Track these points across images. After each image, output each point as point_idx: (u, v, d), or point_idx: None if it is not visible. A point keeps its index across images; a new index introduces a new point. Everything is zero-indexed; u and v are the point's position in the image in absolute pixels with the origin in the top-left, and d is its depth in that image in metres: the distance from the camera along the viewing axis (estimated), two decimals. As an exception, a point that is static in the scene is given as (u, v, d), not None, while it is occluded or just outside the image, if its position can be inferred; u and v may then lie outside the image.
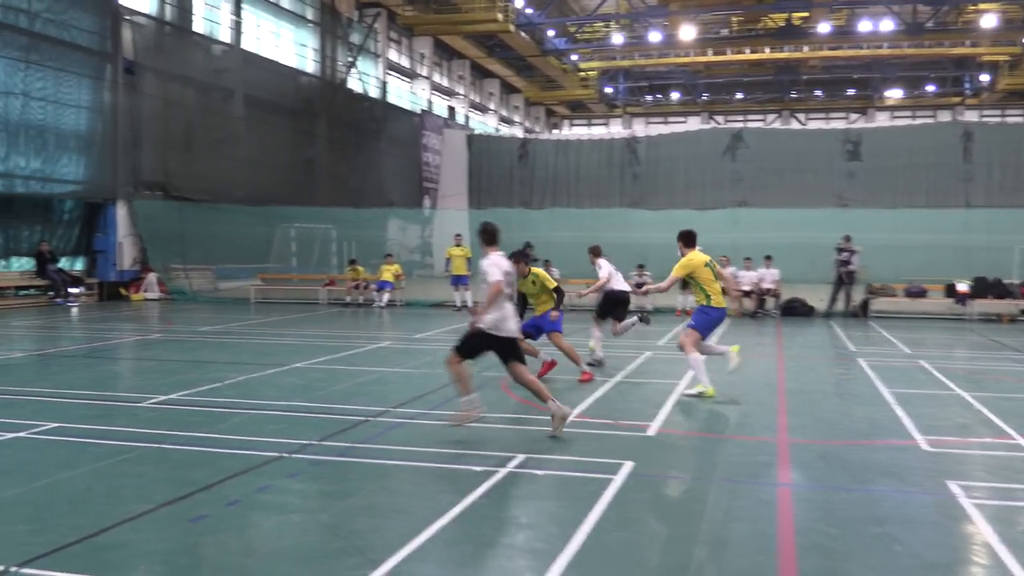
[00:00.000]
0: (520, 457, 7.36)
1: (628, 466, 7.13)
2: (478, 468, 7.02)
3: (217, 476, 6.79)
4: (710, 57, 54.41)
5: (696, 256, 10.54)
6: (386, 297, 24.22)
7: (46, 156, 24.66)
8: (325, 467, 7.15)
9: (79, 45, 25.63)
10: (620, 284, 13.43)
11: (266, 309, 23.72)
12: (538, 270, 11.83)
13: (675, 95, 66.46)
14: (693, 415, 9.47)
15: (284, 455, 7.43)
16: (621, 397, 10.53)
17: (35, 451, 7.65)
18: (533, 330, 11.82)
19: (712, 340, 11.44)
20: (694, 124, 56.34)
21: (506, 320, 8.16)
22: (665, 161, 43.16)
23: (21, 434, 8.19)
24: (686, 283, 10.77)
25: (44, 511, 6.00)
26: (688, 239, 10.72)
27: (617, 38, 51.33)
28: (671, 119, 67.64)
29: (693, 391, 10.46)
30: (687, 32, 47.59)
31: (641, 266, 23.16)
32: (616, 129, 62.51)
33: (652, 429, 8.62)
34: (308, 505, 6.24)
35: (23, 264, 25.34)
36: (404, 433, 8.43)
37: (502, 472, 6.94)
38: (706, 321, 10.50)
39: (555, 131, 72.48)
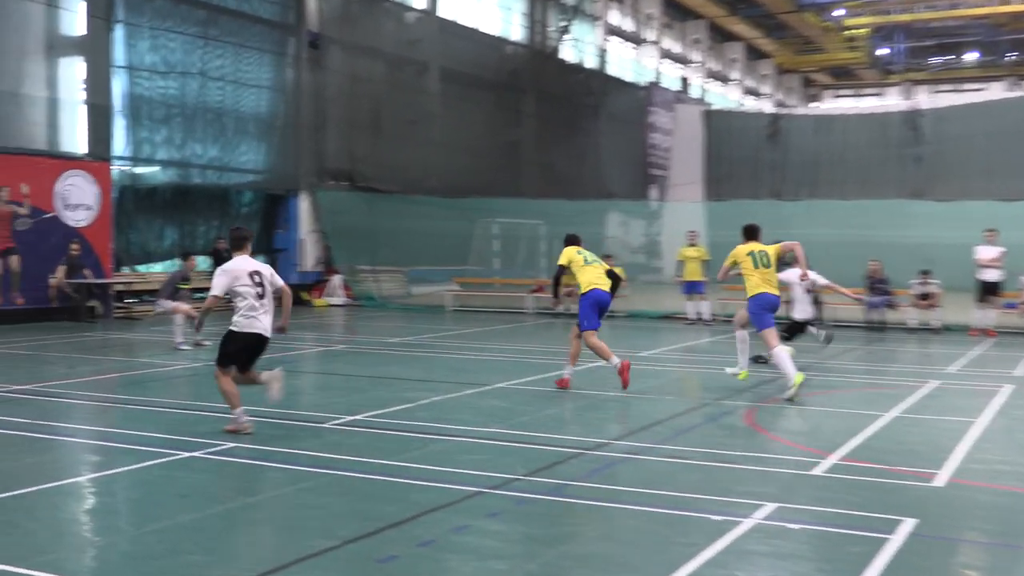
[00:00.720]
0: (770, 506, 7.20)
1: (909, 524, 6.82)
2: (717, 517, 6.92)
3: (408, 512, 7.03)
4: (1017, 6, 51.33)
5: (743, 247, 12.85)
6: (604, 306, 24.29)
7: (224, 143, 26.50)
8: (532, 507, 7.26)
9: (260, 17, 27.40)
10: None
11: (464, 318, 24.39)
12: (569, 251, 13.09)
13: (971, 56, 63.18)
14: (995, 462, 8.95)
15: (484, 491, 7.60)
16: (900, 436, 10.10)
17: (211, 473, 8.21)
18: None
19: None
20: (996, 92, 53.33)
21: (254, 320, 9.74)
22: (957, 139, 41.05)
23: (196, 453, 8.81)
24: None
25: (221, 541, 6.42)
26: (748, 232, 13.04)
27: (895, -14, 49.43)
28: (965, 86, 64.33)
29: (734, 370, 13.59)
30: (988, -25, 45.18)
31: (926, 272, 22.07)
32: (892, 100, 60.13)
33: (941, 479, 8.22)
34: (512, 551, 6.35)
35: (199, 263, 27.27)
36: (627, 470, 8.44)
37: (747, 523, 6.81)
38: (752, 313, 12.70)
39: (813, 104, 70.65)
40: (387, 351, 17.26)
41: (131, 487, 7.95)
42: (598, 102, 44.15)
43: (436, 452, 9.03)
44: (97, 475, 8.36)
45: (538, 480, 7.97)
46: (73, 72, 23.35)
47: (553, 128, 40.68)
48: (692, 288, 23.16)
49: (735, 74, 62.30)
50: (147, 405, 11.46)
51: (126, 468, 8.41)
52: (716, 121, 46.73)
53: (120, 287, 23.61)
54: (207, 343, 16.73)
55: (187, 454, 8.79)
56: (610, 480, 8.05)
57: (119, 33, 23.67)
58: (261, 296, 9.78)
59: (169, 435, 9.60)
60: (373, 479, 7.99)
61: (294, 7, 28.52)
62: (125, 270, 24.96)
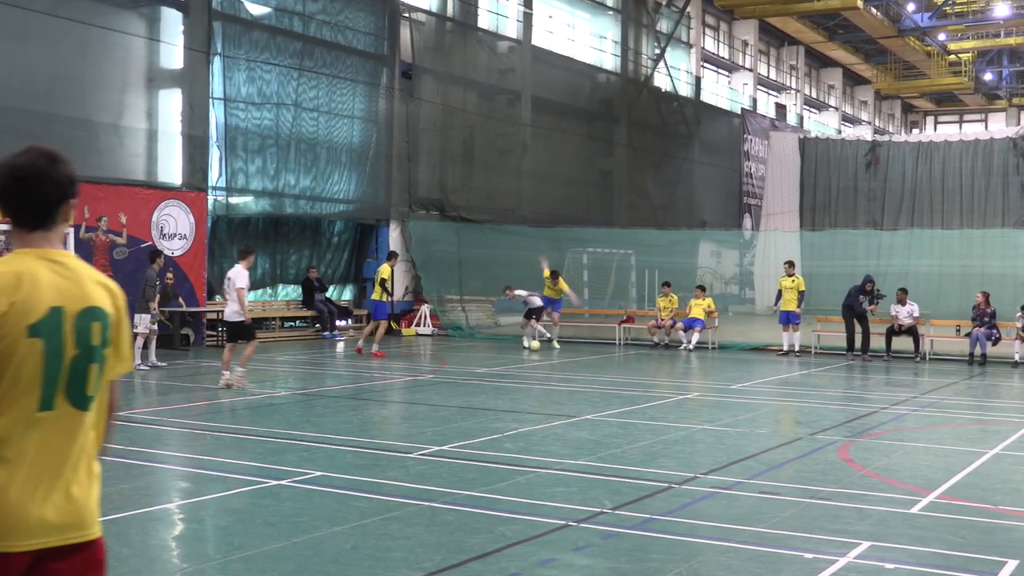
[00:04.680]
0: (865, 545, 7.06)
1: (1012, 566, 6.62)
2: (809, 555, 6.81)
3: (494, 544, 7.04)
4: None
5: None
6: (696, 338, 24.16)
7: (316, 173, 26.93)
8: (620, 541, 7.22)
9: (354, 48, 27.86)
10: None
11: (552, 349, 24.39)
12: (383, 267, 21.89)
13: (1081, 80, 61.62)
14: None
15: (571, 523, 7.58)
16: (1003, 475, 9.82)
17: (298, 501, 8.32)
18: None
19: None
20: (1108, 117, 51.80)
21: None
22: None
23: (284, 482, 8.94)
24: None
25: (307, 569, 6.50)
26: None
27: (1001, 9, 48.44)
28: (1075, 112, 62.73)
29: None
30: (1099, -3, 44.00)
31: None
32: (998, 126, 58.82)
33: (1046, 519, 7.97)
34: (598, 585, 6.32)
35: (289, 293, 27.75)
36: (716, 505, 8.34)
37: (841, 561, 6.68)
38: None
39: (915, 131, 69.45)
40: (474, 381, 17.34)
41: (219, 514, 8.10)
42: (692, 130, 43.99)
43: (523, 484, 9.03)
44: (186, 502, 8.54)
45: (625, 514, 7.93)
46: (171, 104, 23.99)
47: (646, 157, 40.63)
48: (788, 318, 22.90)
49: (833, 101, 61.56)
50: (236, 433, 11.68)
51: (215, 495, 8.58)
52: (813, 149, 46.15)
53: (212, 316, 24.08)
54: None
55: (274, 482, 8.93)
56: (698, 515, 7.96)
57: (216, 65, 24.26)
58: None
59: (257, 463, 9.76)
60: (459, 510, 8.02)
61: (387, 38, 28.94)
62: (218, 299, 25.46)
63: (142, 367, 18.05)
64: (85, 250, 20.99)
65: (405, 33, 29.63)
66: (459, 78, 31.79)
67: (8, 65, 20.23)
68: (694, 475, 9.41)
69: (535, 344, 23.89)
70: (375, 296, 21.96)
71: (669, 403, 14.92)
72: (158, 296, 19.15)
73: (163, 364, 18.56)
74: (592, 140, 38.64)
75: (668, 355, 23.36)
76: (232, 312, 15.53)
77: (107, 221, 21.66)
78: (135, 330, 18.41)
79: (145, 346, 18.44)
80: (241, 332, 15.66)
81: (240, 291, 15.37)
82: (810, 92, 58.93)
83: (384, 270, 21.82)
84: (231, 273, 15.69)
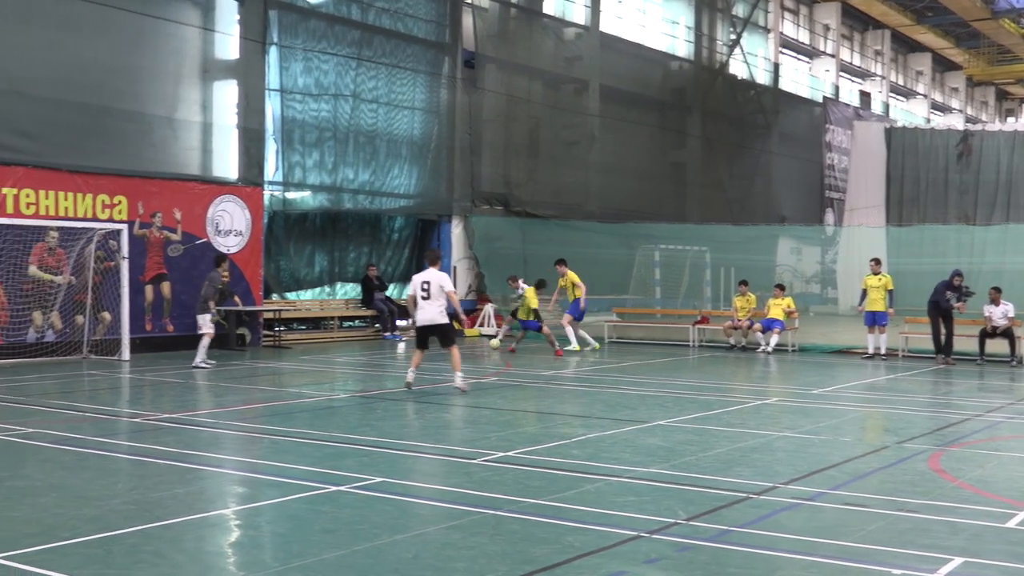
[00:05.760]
0: (957, 561, 6.94)
1: (1118, 585, 6.47)
2: (897, 571, 6.71)
3: (561, 555, 7.03)
4: None
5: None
6: (774, 339, 23.95)
7: (376, 166, 27.12)
8: (694, 553, 7.17)
9: (415, 36, 28.03)
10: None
11: (622, 351, 24.33)
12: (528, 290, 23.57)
13: None
14: None
15: (643, 535, 7.55)
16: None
17: (357, 508, 8.38)
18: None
19: None
20: None
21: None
22: None
23: (343, 488, 9.01)
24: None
25: (366, 580, 6.55)
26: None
27: (1104, -12, 47.44)
28: None
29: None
30: None
31: None
32: (1101, 114, 57.59)
33: None
34: (672, 600, 6.29)
35: (348, 291, 27.95)
36: (797, 517, 8.26)
37: (931, 579, 6.60)
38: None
39: (1010, 119, 68.25)
40: (540, 384, 17.35)
41: (277, 521, 8.18)
42: (770, 120, 43.63)
43: (591, 492, 9.01)
44: (243, 507, 8.64)
45: (700, 525, 7.88)
46: (226, 96, 24.29)
47: (721, 148, 40.38)
48: (873, 319, 22.57)
49: (921, 88, 60.68)
50: (294, 437, 11.79)
51: (272, 501, 8.67)
52: (899, 139, 45.51)
53: (269, 315, 24.34)
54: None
55: (334, 488, 9.00)
56: (778, 527, 7.88)
57: (272, 55, 24.53)
58: (426, 297, 15.30)
59: (316, 468, 9.84)
60: (524, 519, 8.02)
61: (449, 25, 29.07)
62: (275, 297, 25.75)
63: (205, 365, 18.64)
64: (139, 247, 21.35)
65: (468, 20, 29.74)
66: (524, 67, 31.84)
67: (63, 57, 20.61)
68: (773, 485, 9.32)
69: (494, 342, 24.69)
70: (523, 316, 23.68)
71: (747, 408, 14.79)
72: (215, 296, 19.57)
73: (212, 362, 19.10)
74: (664, 131, 38.48)
75: (745, 358, 23.18)
76: (431, 317, 15.56)
77: (161, 217, 22.01)
78: (199, 331, 18.92)
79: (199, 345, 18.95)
80: (444, 336, 15.88)
81: (451, 293, 15.70)
82: (897, 79, 58.14)
83: (533, 298, 23.66)
84: (428, 277, 15.60)
